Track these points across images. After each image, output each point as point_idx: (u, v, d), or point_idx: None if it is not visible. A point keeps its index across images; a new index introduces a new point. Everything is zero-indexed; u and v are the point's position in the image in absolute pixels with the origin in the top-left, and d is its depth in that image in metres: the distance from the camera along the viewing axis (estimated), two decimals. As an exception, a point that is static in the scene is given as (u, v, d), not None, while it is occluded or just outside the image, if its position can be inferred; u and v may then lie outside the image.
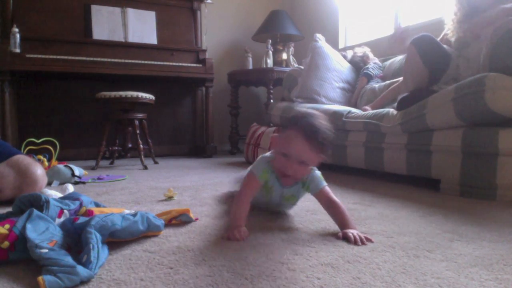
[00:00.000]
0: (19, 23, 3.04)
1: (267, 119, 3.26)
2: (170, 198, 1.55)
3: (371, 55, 2.93)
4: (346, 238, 0.97)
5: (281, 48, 4.07)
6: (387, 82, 2.58)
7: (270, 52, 3.87)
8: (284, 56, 4.06)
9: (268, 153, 1.17)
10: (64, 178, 2.05)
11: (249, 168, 1.58)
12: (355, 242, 0.94)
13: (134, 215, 0.98)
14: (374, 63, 2.84)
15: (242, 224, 1.02)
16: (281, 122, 0.97)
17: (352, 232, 0.97)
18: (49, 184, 1.94)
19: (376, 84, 2.67)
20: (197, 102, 3.93)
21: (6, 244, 0.79)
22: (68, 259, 0.74)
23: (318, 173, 1.15)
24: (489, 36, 1.58)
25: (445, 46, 1.92)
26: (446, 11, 1.97)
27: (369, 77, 2.77)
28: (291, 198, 1.18)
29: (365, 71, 2.81)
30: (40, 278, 0.67)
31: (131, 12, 3.47)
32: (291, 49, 4.00)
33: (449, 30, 1.94)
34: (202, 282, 0.71)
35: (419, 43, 1.86)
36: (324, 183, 1.13)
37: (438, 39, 1.94)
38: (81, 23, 3.34)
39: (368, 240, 0.96)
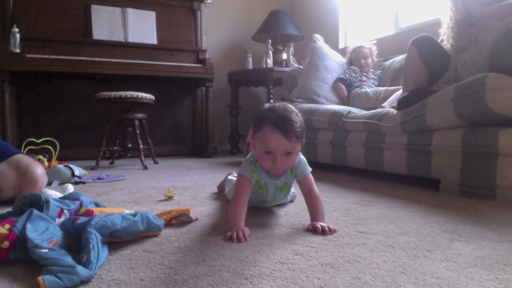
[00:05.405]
0: (19, 23, 3.04)
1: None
2: (170, 198, 1.55)
3: (361, 55, 2.82)
4: (314, 230, 1.05)
5: (281, 48, 4.07)
6: (383, 88, 2.57)
7: (270, 52, 3.87)
8: (284, 56, 4.06)
9: (248, 156, 1.20)
10: (64, 178, 2.05)
11: (233, 175, 1.60)
12: (323, 232, 1.02)
13: (134, 215, 0.98)
14: (349, 68, 2.84)
15: (242, 225, 1.03)
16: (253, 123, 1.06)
17: (319, 224, 1.06)
18: (49, 184, 1.94)
19: (369, 89, 2.66)
20: (197, 102, 3.93)
21: (6, 244, 0.79)
22: (68, 259, 0.74)
23: (303, 157, 1.20)
24: (487, 39, 1.58)
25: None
26: (443, 15, 1.95)
27: (343, 81, 2.78)
28: (285, 187, 1.23)
29: (338, 76, 2.83)
30: (40, 278, 0.67)
31: (131, 12, 3.47)
32: (291, 49, 4.00)
33: (444, 35, 1.92)
34: (202, 282, 0.71)
35: (419, 43, 1.86)
36: (309, 169, 1.19)
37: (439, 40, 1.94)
38: (81, 23, 3.34)
39: (334, 230, 1.04)
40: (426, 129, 1.73)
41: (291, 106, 1.10)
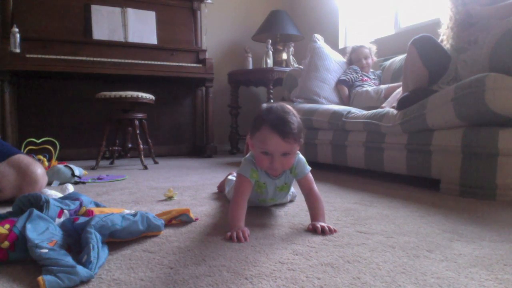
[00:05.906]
0: (19, 23, 3.04)
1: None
2: (170, 198, 1.55)
3: (361, 55, 2.83)
4: (314, 230, 1.05)
5: (281, 48, 4.07)
6: (384, 86, 2.57)
7: (270, 52, 3.87)
8: (284, 56, 4.06)
9: (248, 155, 1.20)
10: (64, 178, 2.05)
11: (233, 175, 1.60)
12: (323, 232, 1.02)
13: (134, 215, 0.98)
14: (350, 68, 2.83)
15: (242, 225, 1.04)
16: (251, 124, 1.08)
17: (319, 224, 1.06)
18: (49, 184, 1.94)
19: (370, 88, 2.66)
20: (197, 102, 3.93)
21: (6, 244, 0.79)
22: (68, 259, 0.74)
23: (302, 157, 1.21)
24: (487, 39, 1.58)
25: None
26: (443, 15, 1.95)
27: (345, 83, 2.77)
28: (284, 186, 1.24)
29: (340, 78, 2.82)
30: (40, 278, 0.67)
31: (131, 12, 3.47)
32: (291, 49, 4.00)
33: (444, 35, 1.92)
34: (202, 282, 0.71)
35: (419, 43, 1.86)
36: (308, 168, 1.20)
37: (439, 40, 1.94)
38: (81, 23, 3.34)
39: (334, 230, 1.04)
40: (426, 129, 1.73)
41: (288, 106, 1.10)
